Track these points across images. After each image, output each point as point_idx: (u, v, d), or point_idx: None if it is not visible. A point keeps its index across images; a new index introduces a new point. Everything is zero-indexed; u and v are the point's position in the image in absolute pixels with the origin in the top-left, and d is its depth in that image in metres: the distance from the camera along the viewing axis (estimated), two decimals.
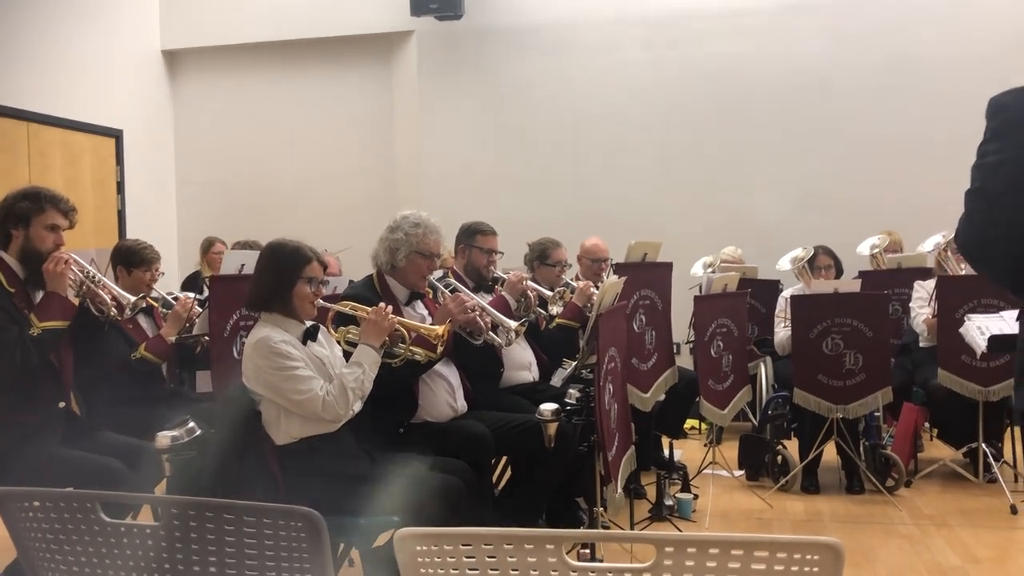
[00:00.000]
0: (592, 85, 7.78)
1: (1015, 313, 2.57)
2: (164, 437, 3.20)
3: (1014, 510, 4.58)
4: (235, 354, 3.82)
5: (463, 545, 1.27)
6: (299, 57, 8.45)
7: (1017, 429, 5.17)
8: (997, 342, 3.51)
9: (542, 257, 5.05)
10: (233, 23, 8.41)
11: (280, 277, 3.14)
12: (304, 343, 3.14)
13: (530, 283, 4.42)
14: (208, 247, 6.90)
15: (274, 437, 3.07)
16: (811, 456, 5.07)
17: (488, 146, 8.03)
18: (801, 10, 7.40)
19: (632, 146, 7.70)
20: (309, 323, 3.21)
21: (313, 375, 3.07)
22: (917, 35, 7.17)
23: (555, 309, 4.56)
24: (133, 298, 3.78)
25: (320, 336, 3.24)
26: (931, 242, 5.58)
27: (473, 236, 4.47)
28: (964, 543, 4.19)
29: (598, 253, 5.50)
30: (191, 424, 3.41)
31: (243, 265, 4.16)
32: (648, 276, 4.87)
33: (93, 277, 3.63)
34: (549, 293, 4.60)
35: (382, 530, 2.97)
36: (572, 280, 5.17)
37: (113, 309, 3.67)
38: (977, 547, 4.14)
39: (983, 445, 5.01)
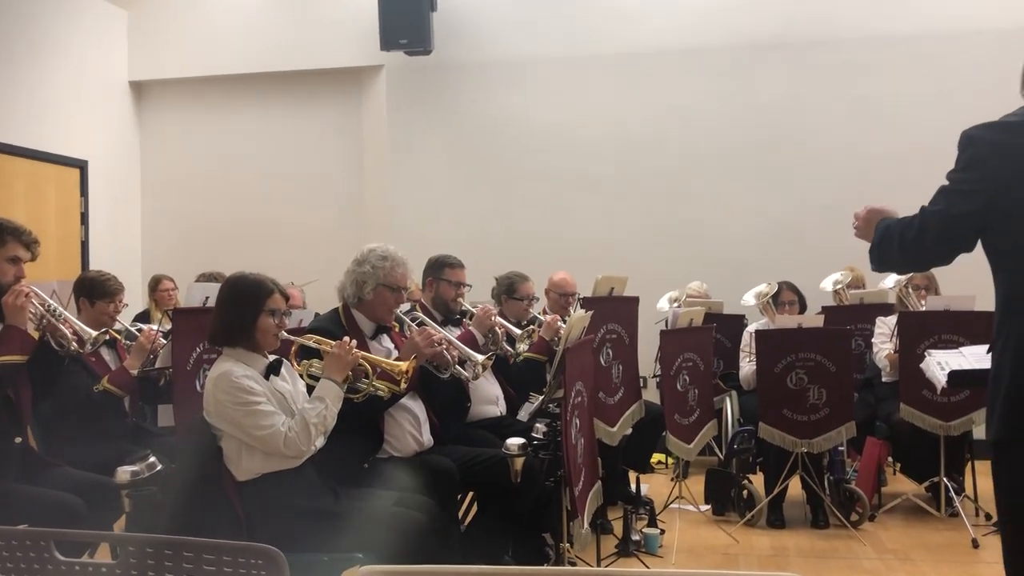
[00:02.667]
0: (560, 121, 7.85)
1: (975, 349, 2.62)
2: (124, 472, 3.15)
3: (975, 544, 4.62)
4: (198, 388, 3.77)
5: None
6: (268, 90, 8.46)
7: (978, 463, 5.23)
8: (957, 377, 3.55)
9: (510, 291, 5.06)
10: (202, 55, 8.40)
11: (242, 310, 3.11)
12: (267, 377, 3.11)
13: (498, 318, 4.42)
14: (156, 285, 6.75)
15: (235, 473, 3.03)
16: (776, 490, 5.09)
17: (456, 180, 8.06)
18: (765, 50, 7.54)
19: (599, 181, 7.77)
20: (272, 357, 3.18)
21: (275, 411, 3.03)
22: (878, 77, 7.34)
23: (522, 347, 4.55)
24: (94, 333, 3.72)
25: (283, 370, 3.21)
26: (892, 279, 5.67)
27: (441, 269, 4.47)
28: None
29: (566, 287, 5.53)
30: (152, 459, 3.36)
31: (207, 298, 4.12)
32: (615, 310, 4.90)
33: (54, 311, 3.58)
34: (517, 331, 4.60)
35: (345, 567, 2.93)
36: (540, 314, 5.19)
37: (74, 343, 3.61)
38: None
39: (945, 479, 5.06)
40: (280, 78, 8.37)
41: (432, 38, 7.77)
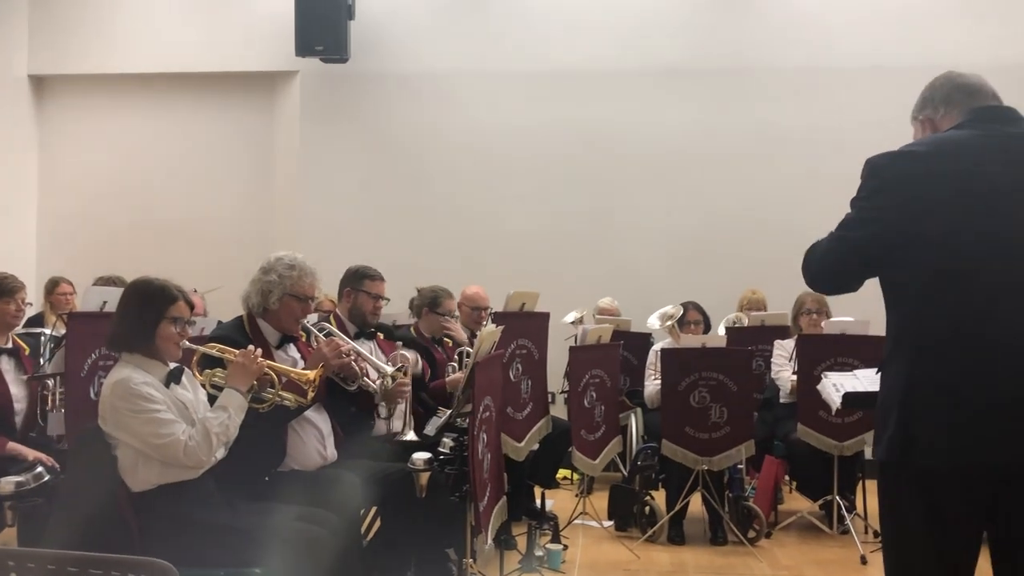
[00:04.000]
0: (475, 135, 7.88)
1: (868, 372, 2.71)
2: (8, 483, 3.02)
3: (864, 560, 4.79)
4: (92, 395, 3.63)
5: None
6: (176, 91, 8.23)
7: (869, 482, 5.43)
8: (851, 399, 3.68)
9: (433, 305, 5.04)
10: (108, 52, 8.13)
11: (143, 316, 3.01)
12: (167, 385, 3.02)
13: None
14: (53, 287, 6.48)
15: (130, 483, 2.92)
16: (678, 507, 5.18)
17: (369, 191, 8.00)
18: (677, 75, 7.73)
19: (513, 197, 7.82)
20: (173, 365, 3.09)
21: (175, 419, 2.95)
22: (785, 107, 7.61)
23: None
24: None
25: (184, 379, 3.12)
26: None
27: (361, 280, 4.41)
28: None
29: (479, 301, 5.54)
30: (39, 469, 3.23)
31: (105, 302, 3.98)
32: (526, 326, 4.92)
33: None
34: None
35: None
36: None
37: None
38: None
39: (837, 498, 5.23)
40: (190, 79, 8.16)
41: (349, 46, 7.70)
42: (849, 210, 2.23)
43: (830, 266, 2.26)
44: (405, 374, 4.04)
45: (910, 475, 2.10)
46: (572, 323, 6.57)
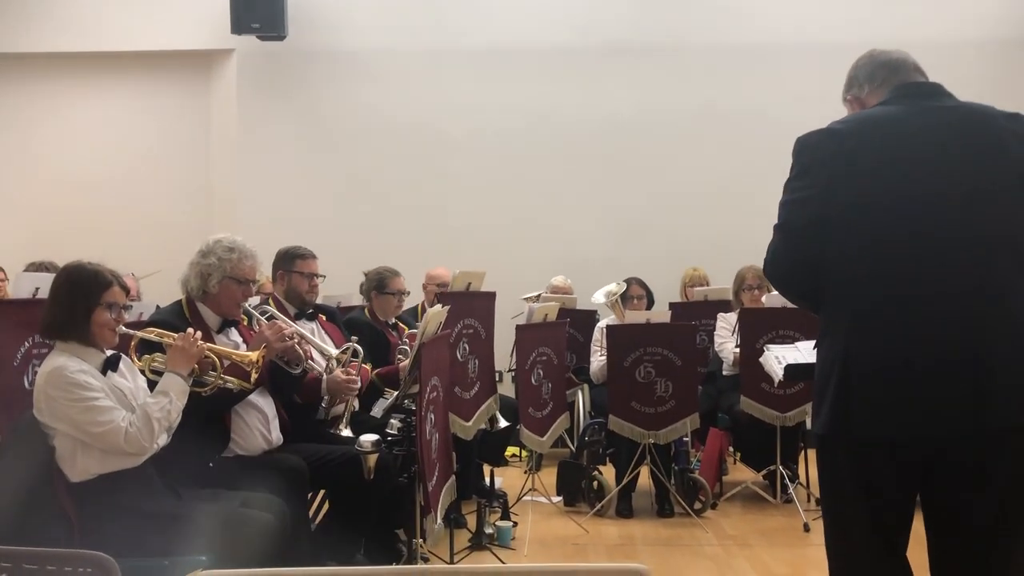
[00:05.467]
0: (417, 113, 7.80)
1: (809, 344, 2.75)
2: None
3: (807, 528, 4.90)
4: (26, 384, 3.53)
5: None
6: (109, 71, 8.00)
7: (811, 451, 5.54)
8: (793, 371, 3.75)
9: (380, 286, 5.00)
10: (39, 31, 7.85)
11: (77, 303, 2.93)
12: (104, 373, 2.94)
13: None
14: None
15: (69, 474, 2.86)
16: (625, 481, 5.24)
17: (309, 170, 7.88)
18: (622, 54, 7.73)
19: (457, 176, 7.77)
20: (110, 352, 3.01)
21: (114, 406, 2.89)
22: (728, 85, 7.66)
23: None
24: None
25: (122, 366, 3.05)
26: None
27: (292, 261, 4.35)
28: (763, 561, 4.43)
29: (444, 278, 5.57)
30: None
31: (37, 289, 3.86)
32: (472, 305, 4.90)
33: None
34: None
35: (189, 571, 2.80)
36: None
37: None
38: (774, 564, 4.39)
39: (780, 468, 5.34)
40: (123, 59, 7.93)
41: (286, 23, 7.54)
42: (783, 194, 2.25)
43: (784, 262, 2.25)
44: (356, 355, 4.01)
45: (846, 447, 2.15)
46: (527, 299, 6.57)
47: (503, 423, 4.84)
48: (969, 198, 2.09)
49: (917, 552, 2.19)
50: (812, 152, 2.21)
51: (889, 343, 2.08)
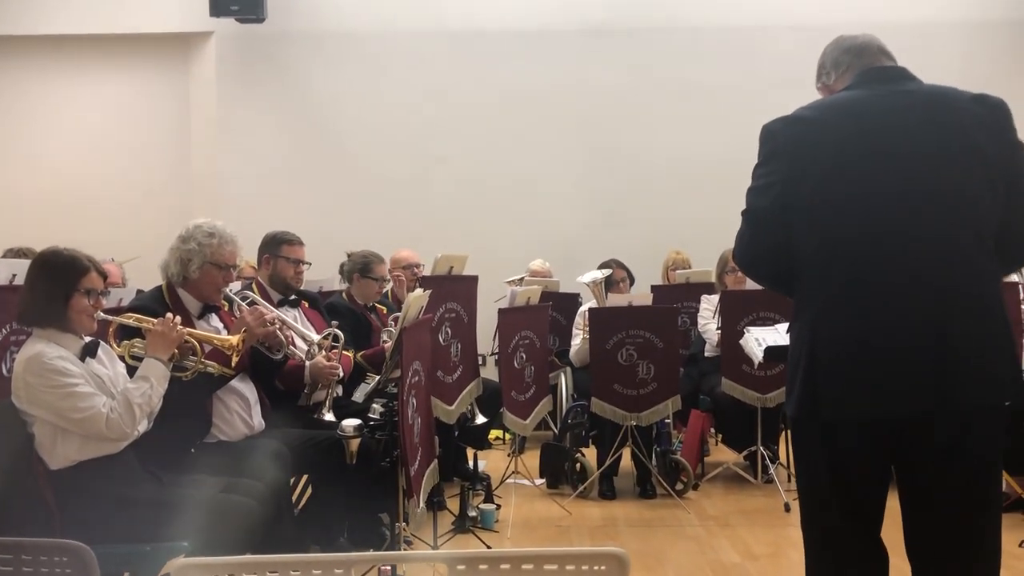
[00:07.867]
0: (397, 96, 7.76)
1: (787, 325, 2.77)
2: None
3: (787, 508, 4.94)
4: (4, 372, 3.50)
5: (247, 575, 1.22)
6: (88, 54, 7.91)
7: (791, 432, 5.59)
8: (772, 352, 3.78)
9: (364, 270, 4.97)
10: (16, 13, 7.73)
11: (54, 289, 2.91)
12: (83, 360, 2.93)
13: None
14: None
15: (48, 461, 2.85)
16: (608, 463, 5.26)
17: (290, 154, 7.83)
18: (602, 35, 7.72)
19: (439, 159, 7.75)
20: (88, 338, 3.00)
21: (94, 392, 2.87)
22: (708, 66, 7.66)
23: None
24: None
25: (101, 353, 3.03)
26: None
27: (279, 246, 4.33)
28: (744, 541, 4.47)
29: (411, 259, 5.55)
30: None
31: (14, 275, 3.81)
32: (454, 289, 4.89)
33: None
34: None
35: (171, 557, 2.80)
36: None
37: None
38: (755, 544, 4.43)
39: (761, 448, 5.38)
40: (101, 41, 7.85)
41: (265, 5, 7.47)
42: (751, 181, 2.27)
43: (751, 248, 2.29)
44: (337, 340, 4.01)
45: (816, 428, 2.18)
46: (510, 283, 6.57)
47: (481, 419, 4.81)
48: (932, 184, 2.11)
49: (893, 531, 2.22)
50: (776, 139, 2.22)
51: (854, 326, 2.10)
